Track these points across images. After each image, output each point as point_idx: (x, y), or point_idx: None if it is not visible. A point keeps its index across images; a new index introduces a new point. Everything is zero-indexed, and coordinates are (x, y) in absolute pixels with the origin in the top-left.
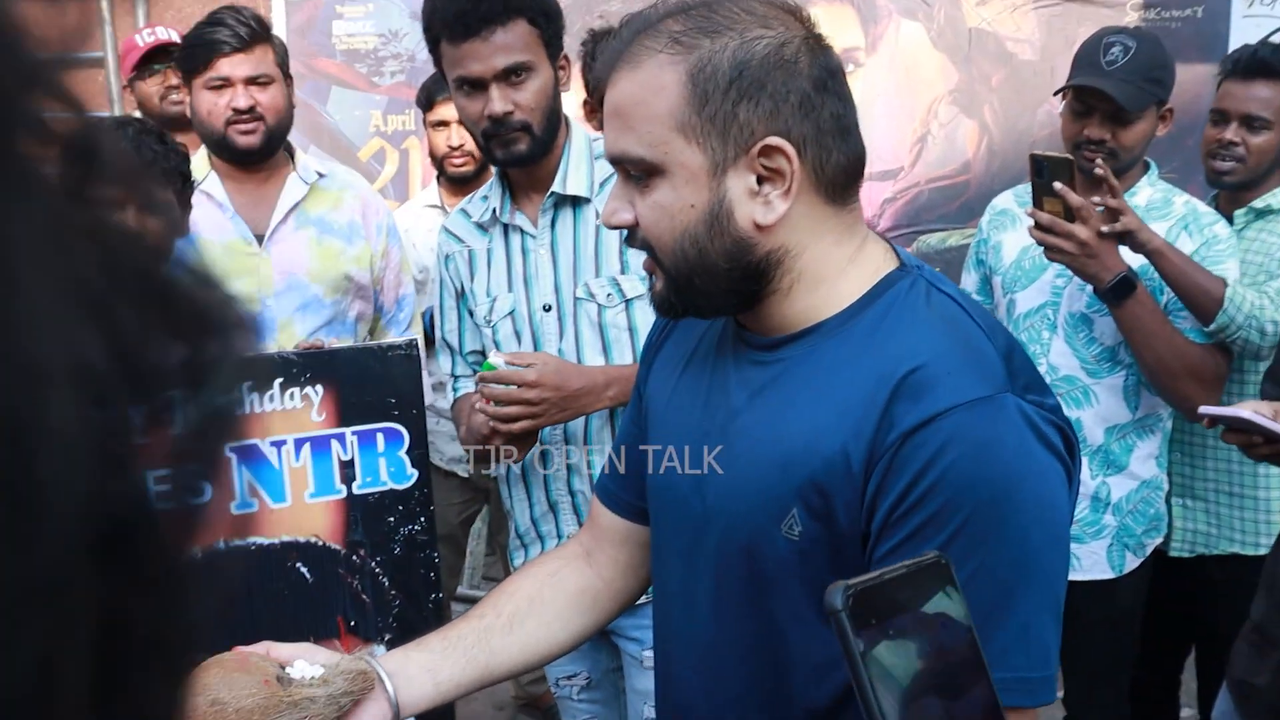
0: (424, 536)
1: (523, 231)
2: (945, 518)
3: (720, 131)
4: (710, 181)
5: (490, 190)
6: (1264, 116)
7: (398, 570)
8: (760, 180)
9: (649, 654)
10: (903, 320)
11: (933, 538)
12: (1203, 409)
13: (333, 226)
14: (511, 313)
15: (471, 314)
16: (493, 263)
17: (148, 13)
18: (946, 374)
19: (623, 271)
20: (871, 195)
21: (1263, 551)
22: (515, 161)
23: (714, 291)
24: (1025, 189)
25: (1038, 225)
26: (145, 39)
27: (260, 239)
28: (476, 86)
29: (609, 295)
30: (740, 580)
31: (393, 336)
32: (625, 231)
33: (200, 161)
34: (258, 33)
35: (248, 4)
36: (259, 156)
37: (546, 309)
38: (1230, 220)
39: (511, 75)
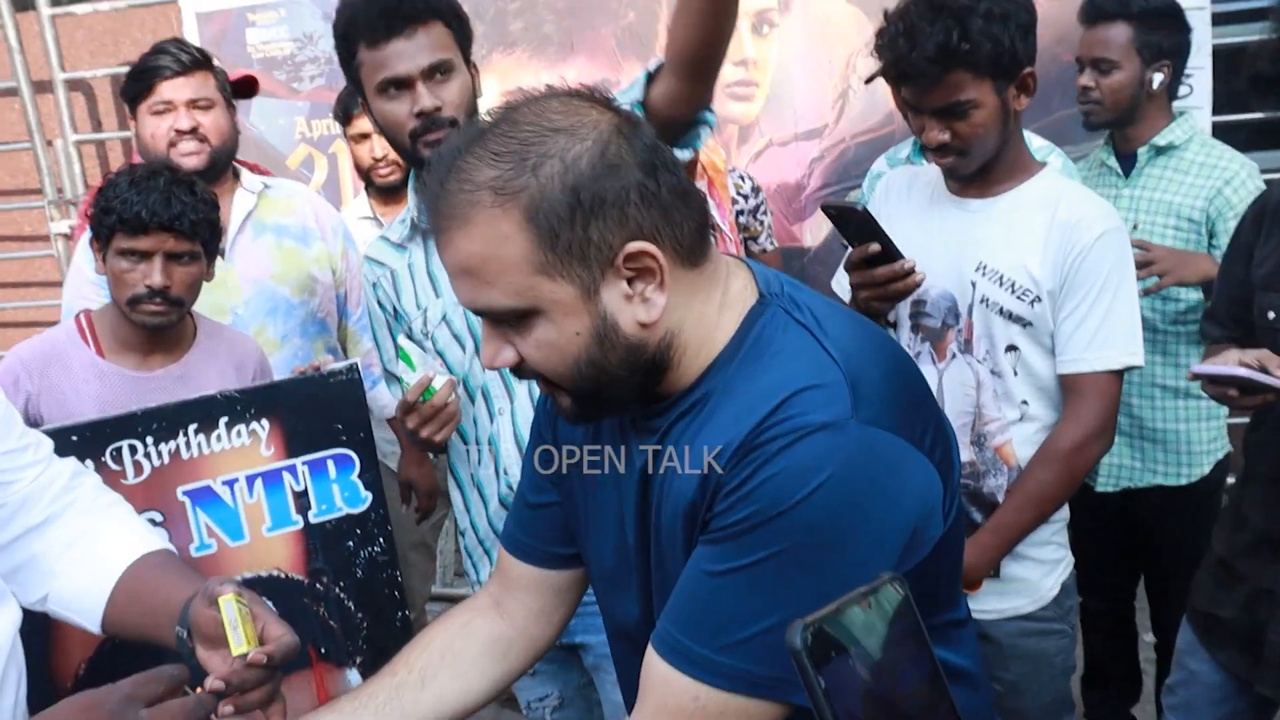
0: (384, 557)
1: None
2: (746, 525)
3: (580, 258)
4: (587, 306)
5: (407, 209)
6: (1109, 58)
7: (362, 593)
8: (630, 281)
9: None
10: (760, 362)
11: (731, 541)
12: (1195, 368)
13: (289, 230)
14: (444, 316)
15: (410, 334)
16: (415, 275)
17: (56, 36)
18: (790, 408)
19: None
20: (799, 155)
21: (1183, 482)
22: None
23: (623, 396)
24: (896, 150)
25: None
26: None
27: (221, 252)
28: (402, 86)
29: None
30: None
31: (364, 340)
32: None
33: None
34: (198, 59)
35: (157, 18)
36: (206, 179)
37: None
38: (1134, 159)
39: (436, 73)
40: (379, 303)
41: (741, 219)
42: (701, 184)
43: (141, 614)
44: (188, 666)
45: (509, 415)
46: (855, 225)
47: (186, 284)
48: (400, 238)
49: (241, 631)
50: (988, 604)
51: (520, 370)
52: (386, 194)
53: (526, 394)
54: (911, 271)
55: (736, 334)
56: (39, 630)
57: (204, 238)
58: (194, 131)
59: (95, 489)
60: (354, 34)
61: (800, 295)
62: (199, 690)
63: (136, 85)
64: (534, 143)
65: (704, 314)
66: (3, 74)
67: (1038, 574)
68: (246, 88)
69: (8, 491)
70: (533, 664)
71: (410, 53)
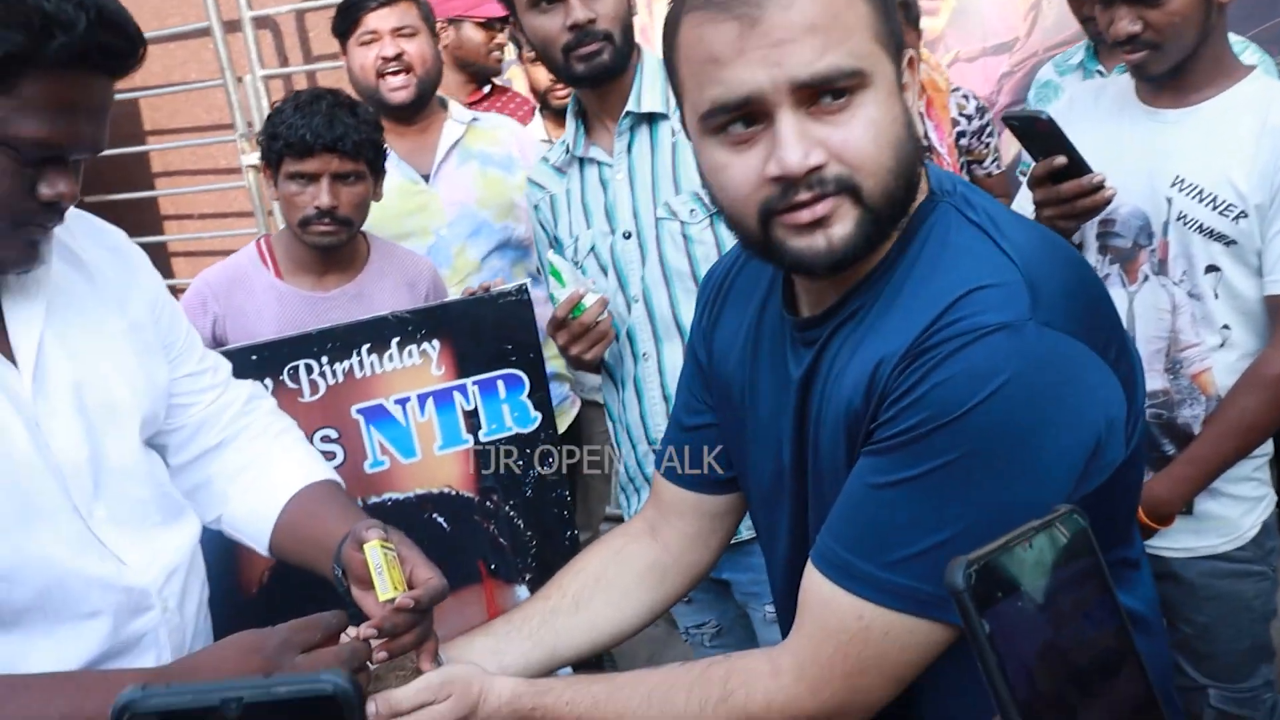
0: (554, 476)
1: (599, 163)
2: (915, 433)
3: (897, 43)
4: (899, 95)
5: (567, 133)
6: None
7: (531, 511)
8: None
9: (770, 608)
10: (929, 263)
11: (898, 450)
12: None
13: (493, 158)
14: (593, 248)
15: None
16: (571, 203)
17: None
18: (963, 308)
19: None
20: (987, 70)
21: None
22: (598, 74)
23: (901, 215)
24: (1068, 56)
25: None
26: None
27: (426, 178)
28: (554, 0)
29: (692, 211)
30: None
31: None
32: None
33: None
34: None
35: None
36: (413, 110)
37: (627, 236)
38: None
39: None
40: (540, 224)
41: (963, 141)
42: (920, 103)
43: (301, 544)
44: (345, 613)
45: (655, 361)
46: (1039, 137)
47: (354, 204)
48: (559, 161)
49: (387, 577)
50: (1180, 542)
51: (820, 178)
52: (562, 116)
53: (677, 338)
54: (1101, 186)
55: (904, 233)
56: (227, 540)
57: (368, 157)
58: (399, 58)
59: (269, 414)
60: None
61: (974, 196)
62: (356, 636)
63: (344, 20)
64: None
65: None
66: (197, 15)
67: (1236, 511)
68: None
69: (186, 414)
70: (689, 590)
71: None
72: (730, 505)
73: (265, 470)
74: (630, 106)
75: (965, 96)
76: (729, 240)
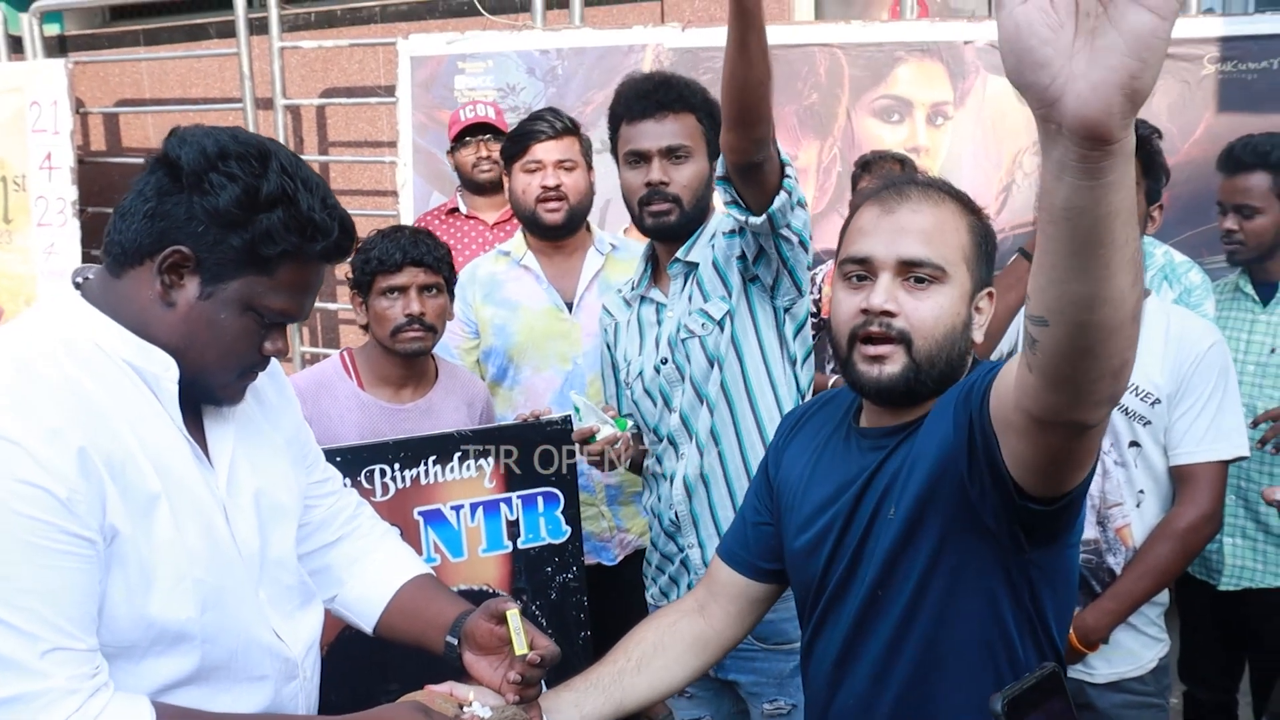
0: (575, 583)
1: (656, 302)
2: None
3: (979, 272)
4: (967, 302)
5: (638, 271)
6: (1250, 204)
7: (553, 612)
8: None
9: (768, 705)
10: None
11: None
12: (1270, 494)
13: None
14: (640, 372)
15: (618, 379)
16: (629, 332)
17: (282, 66)
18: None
19: (705, 300)
20: None
21: None
22: (663, 230)
23: (940, 381)
24: None
25: None
26: (466, 114)
27: (570, 305)
28: (642, 159)
29: (703, 325)
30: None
31: None
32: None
33: (518, 241)
34: (569, 127)
35: (366, 55)
36: (562, 232)
37: (664, 362)
38: (1275, 288)
39: (673, 155)
40: (608, 346)
41: None
42: None
43: (413, 623)
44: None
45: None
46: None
47: (437, 313)
48: (629, 295)
49: (524, 638)
50: (1096, 667)
51: (885, 320)
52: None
53: (695, 449)
54: None
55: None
56: None
57: (445, 274)
58: (557, 188)
59: (372, 518)
60: (619, 112)
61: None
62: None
63: (514, 146)
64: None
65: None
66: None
67: (1138, 645)
68: None
69: (310, 514)
70: (722, 657)
71: (655, 133)
72: (770, 594)
73: (376, 563)
74: (679, 254)
75: None
76: (741, 337)
